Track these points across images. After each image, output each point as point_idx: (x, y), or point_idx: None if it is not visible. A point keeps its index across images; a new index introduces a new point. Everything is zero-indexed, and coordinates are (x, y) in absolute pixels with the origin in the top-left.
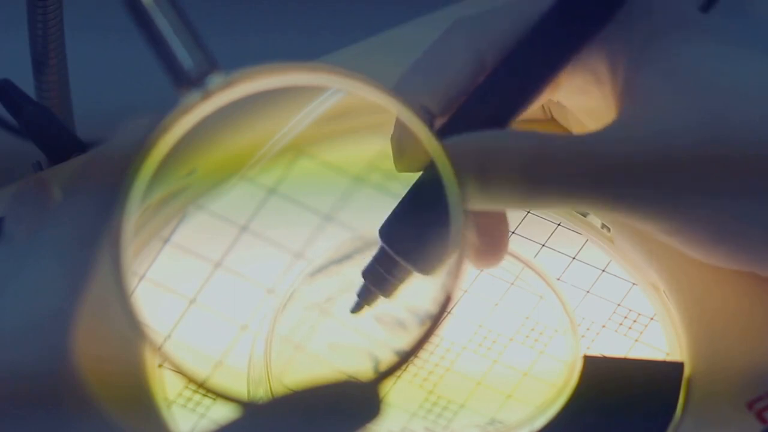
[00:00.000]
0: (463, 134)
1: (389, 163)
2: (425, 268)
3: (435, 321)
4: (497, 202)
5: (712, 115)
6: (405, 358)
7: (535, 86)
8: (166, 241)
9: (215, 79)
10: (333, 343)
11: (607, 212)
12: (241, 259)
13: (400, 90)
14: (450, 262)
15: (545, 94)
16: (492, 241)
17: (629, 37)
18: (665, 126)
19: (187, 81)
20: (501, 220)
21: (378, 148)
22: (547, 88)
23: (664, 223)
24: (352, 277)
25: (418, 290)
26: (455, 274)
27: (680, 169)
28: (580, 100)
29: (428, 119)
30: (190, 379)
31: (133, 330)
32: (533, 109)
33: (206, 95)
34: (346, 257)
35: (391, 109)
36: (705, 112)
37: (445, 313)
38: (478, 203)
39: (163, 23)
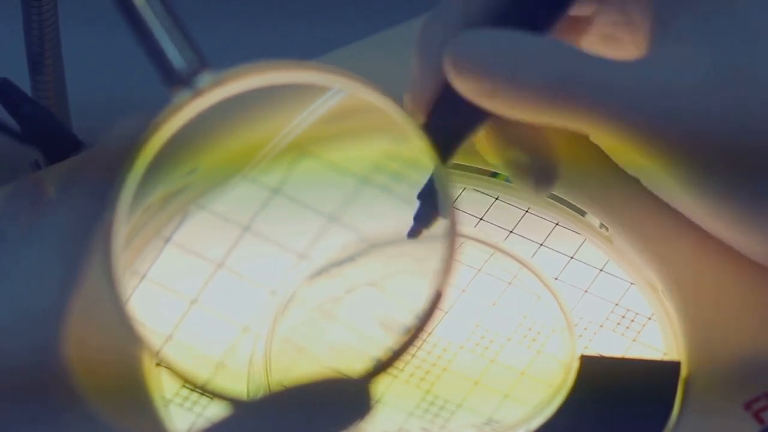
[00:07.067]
0: (499, 31)
1: (395, 163)
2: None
3: (425, 318)
4: (521, 109)
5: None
6: (395, 355)
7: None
8: (168, 240)
9: (206, 78)
10: (334, 346)
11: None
12: (243, 259)
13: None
14: (441, 259)
15: (574, 37)
16: (542, 158)
17: None
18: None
19: (178, 80)
20: (543, 135)
21: (383, 148)
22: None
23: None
24: (354, 278)
25: (422, 294)
26: (445, 271)
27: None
28: (605, 49)
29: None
30: (186, 379)
31: (125, 328)
32: None
33: (197, 94)
34: (349, 259)
35: (382, 106)
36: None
37: (435, 310)
38: (501, 107)
39: (153, 22)
